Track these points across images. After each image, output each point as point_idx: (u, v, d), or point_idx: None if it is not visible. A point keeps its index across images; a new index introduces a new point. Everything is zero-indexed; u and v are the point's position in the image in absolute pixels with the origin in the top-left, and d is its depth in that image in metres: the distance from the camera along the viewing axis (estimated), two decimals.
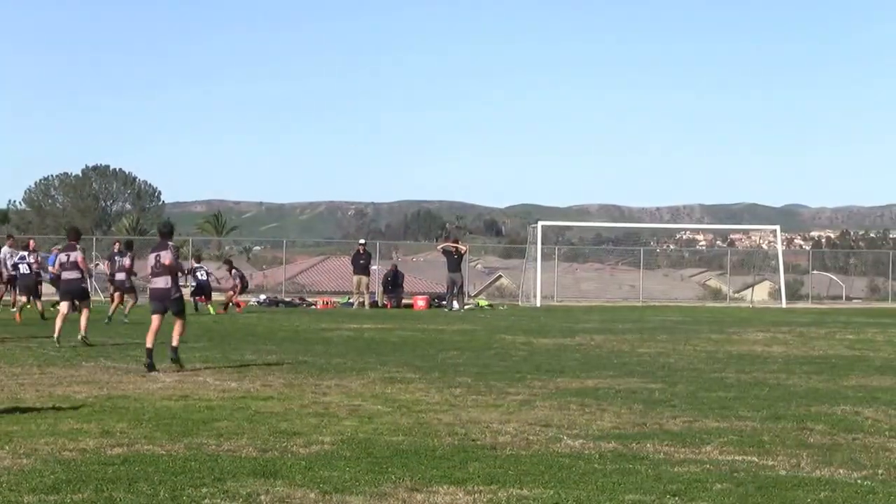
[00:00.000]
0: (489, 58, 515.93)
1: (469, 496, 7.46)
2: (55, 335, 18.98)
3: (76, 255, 19.60)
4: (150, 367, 15.09)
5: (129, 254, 27.18)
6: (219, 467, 8.24)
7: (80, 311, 19.75)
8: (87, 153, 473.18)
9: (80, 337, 19.25)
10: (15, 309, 28.30)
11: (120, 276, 26.80)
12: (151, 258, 16.04)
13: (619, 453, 9.11)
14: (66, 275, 19.65)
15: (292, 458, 8.69)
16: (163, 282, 15.88)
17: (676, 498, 7.47)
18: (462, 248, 38.94)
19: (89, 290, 22.56)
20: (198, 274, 33.64)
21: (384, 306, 38.83)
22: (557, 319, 31.42)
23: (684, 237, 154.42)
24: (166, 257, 15.81)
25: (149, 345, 15.34)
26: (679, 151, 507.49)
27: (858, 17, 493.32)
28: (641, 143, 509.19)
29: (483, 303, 43.36)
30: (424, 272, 59.44)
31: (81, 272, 19.76)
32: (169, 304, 15.88)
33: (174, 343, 15.61)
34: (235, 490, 7.49)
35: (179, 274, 16.34)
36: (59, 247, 23.09)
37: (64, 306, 19.85)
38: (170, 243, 16.18)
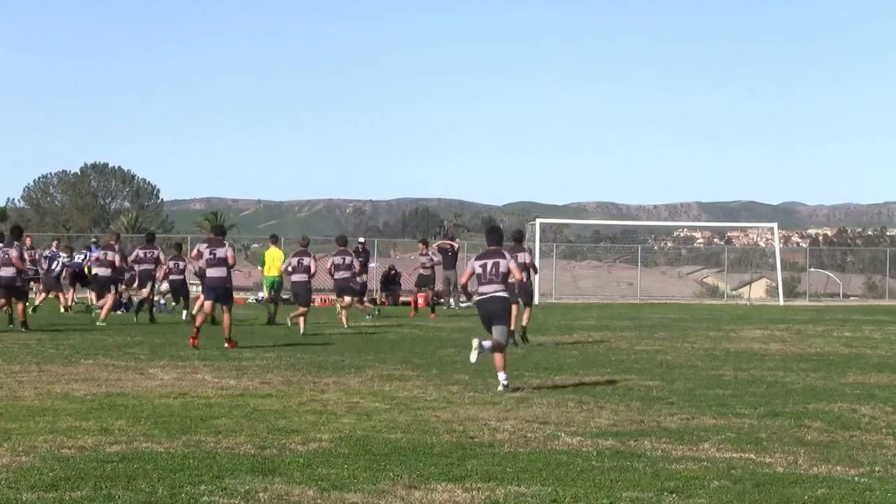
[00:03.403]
0: (487, 57, 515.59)
1: (467, 493, 7.47)
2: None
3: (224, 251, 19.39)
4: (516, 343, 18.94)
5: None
6: (217, 465, 8.25)
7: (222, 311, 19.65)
8: (86, 151, 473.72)
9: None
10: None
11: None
12: (511, 262, 16.59)
13: (616, 450, 9.13)
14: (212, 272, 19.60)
15: (290, 455, 8.70)
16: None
17: (674, 495, 7.49)
18: (454, 244, 38.90)
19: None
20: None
21: (382, 304, 38.83)
22: (555, 317, 31.41)
23: (682, 235, 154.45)
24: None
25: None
26: (677, 149, 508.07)
27: (856, 16, 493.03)
28: (639, 141, 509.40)
29: None
30: None
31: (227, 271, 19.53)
32: (514, 295, 18.17)
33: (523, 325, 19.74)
34: (234, 487, 7.51)
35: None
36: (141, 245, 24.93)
37: (208, 305, 20.35)
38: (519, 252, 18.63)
